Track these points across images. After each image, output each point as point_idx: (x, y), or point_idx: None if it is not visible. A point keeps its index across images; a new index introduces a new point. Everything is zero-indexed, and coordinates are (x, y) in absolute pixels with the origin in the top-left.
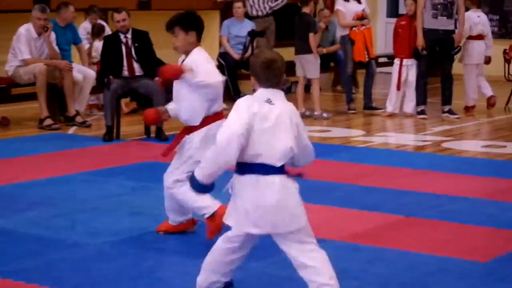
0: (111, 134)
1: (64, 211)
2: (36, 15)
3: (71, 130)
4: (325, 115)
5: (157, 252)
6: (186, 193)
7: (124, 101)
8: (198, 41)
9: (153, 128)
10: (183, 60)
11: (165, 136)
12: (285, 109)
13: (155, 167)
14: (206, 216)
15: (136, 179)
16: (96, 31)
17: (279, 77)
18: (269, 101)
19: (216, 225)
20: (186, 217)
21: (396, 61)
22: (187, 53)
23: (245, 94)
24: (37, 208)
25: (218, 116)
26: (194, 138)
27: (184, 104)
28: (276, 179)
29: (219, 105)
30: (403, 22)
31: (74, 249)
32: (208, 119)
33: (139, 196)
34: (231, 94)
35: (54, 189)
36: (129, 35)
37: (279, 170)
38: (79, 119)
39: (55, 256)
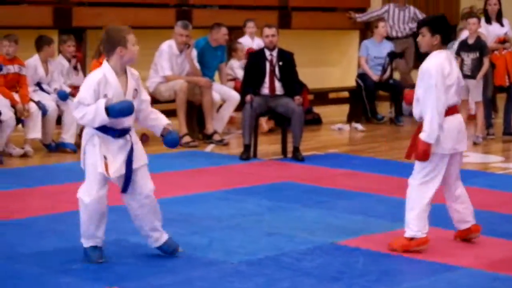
0: (248, 153)
1: (201, 228)
2: (178, 32)
3: (209, 148)
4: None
5: (293, 273)
6: (418, 201)
7: (264, 119)
8: (442, 44)
9: (290, 148)
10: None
11: (302, 156)
12: None
13: (292, 187)
14: (407, 235)
15: (272, 199)
16: (233, 49)
17: (102, 45)
18: None
19: (406, 245)
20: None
21: None
22: (428, 53)
23: (383, 116)
24: (175, 224)
25: (453, 110)
26: None
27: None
28: None
29: (454, 98)
30: None
31: (212, 267)
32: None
33: (276, 216)
34: (368, 115)
35: (191, 206)
36: (274, 53)
37: None
38: (216, 137)
39: (194, 273)
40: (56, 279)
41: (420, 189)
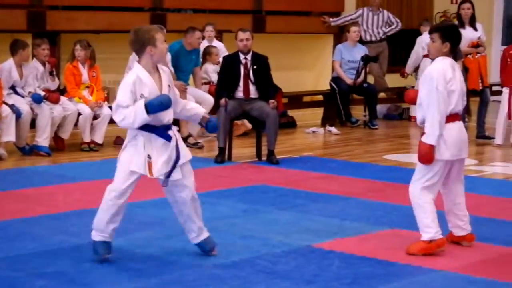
0: (223, 156)
1: (175, 232)
2: None
3: None
4: None
5: (268, 276)
6: (426, 205)
7: (239, 122)
8: (450, 52)
9: (264, 152)
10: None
11: (276, 159)
12: None
13: (267, 190)
14: (425, 238)
15: (247, 202)
16: (207, 53)
17: (131, 45)
18: None
19: (426, 248)
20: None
21: (505, 90)
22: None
23: (357, 120)
24: (150, 228)
25: (454, 117)
26: None
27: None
28: None
29: (456, 106)
30: (511, 51)
31: (187, 270)
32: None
33: (251, 219)
34: (343, 119)
35: (166, 209)
36: (248, 57)
37: None
38: (191, 140)
39: (169, 277)
40: (31, 283)
41: (423, 194)
